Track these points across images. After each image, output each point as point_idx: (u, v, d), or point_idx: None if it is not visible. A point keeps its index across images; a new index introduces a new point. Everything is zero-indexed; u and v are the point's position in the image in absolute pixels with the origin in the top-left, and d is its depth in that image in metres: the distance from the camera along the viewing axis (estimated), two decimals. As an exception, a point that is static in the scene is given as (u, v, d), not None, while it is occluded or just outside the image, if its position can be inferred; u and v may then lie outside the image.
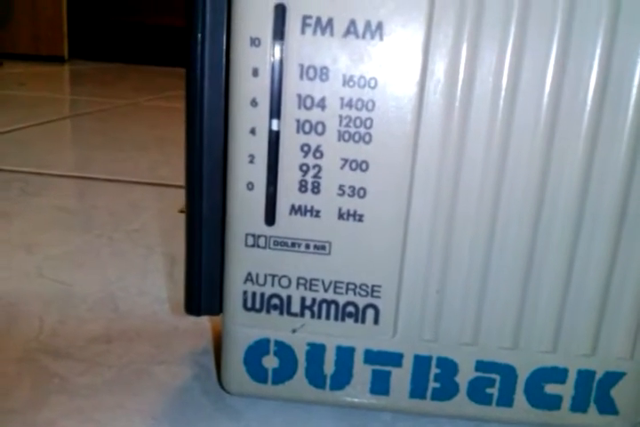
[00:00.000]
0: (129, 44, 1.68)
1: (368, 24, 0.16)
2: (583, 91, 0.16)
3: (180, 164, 0.53)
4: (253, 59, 0.17)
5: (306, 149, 0.17)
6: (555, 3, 0.16)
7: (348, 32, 0.16)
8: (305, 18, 0.16)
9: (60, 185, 0.45)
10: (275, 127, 0.17)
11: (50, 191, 0.43)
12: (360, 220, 0.18)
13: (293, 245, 0.18)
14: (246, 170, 0.17)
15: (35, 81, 1.16)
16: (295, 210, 0.18)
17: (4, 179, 0.46)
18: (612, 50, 0.16)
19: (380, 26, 0.16)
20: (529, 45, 0.16)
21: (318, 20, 0.16)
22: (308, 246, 0.18)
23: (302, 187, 0.17)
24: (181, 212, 0.40)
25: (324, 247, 0.18)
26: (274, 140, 0.17)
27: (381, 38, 0.16)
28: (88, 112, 0.80)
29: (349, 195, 0.17)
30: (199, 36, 0.17)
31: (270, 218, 0.18)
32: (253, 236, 0.18)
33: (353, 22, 0.16)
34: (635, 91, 0.16)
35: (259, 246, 0.18)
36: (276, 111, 0.17)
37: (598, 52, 0.16)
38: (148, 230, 0.36)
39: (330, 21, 0.16)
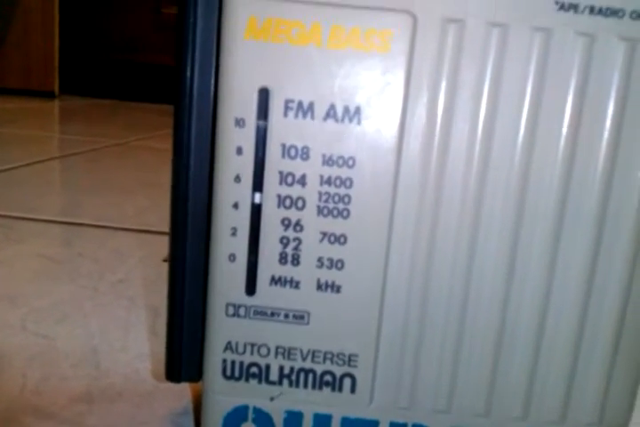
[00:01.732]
0: (119, 80, 1.70)
1: (347, 109, 0.17)
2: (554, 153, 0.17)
3: (166, 209, 0.54)
4: (238, 138, 0.18)
5: (286, 222, 0.18)
6: (524, 80, 0.17)
7: (327, 115, 0.17)
8: (287, 101, 0.17)
9: (45, 231, 0.46)
10: (257, 200, 0.18)
11: (35, 238, 0.44)
12: (338, 291, 0.18)
13: (273, 314, 0.18)
14: (229, 242, 0.18)
15: (25, 118, 1.17)
16: (275, 281, 0.18)
17: (-9, 224, 0.46)
18: (581, 112, 0.17)
19: (357, 110, 0.17)
20: (499, 120, 0.17)
21: (300, 103, 0.17)
22: (287, 316, 0.18)
23: (282, 259, 0.18)
24: (165, 261, 0.40)
25: (302, 317, 0.18)
26: (256, 213, 0.18)
27: (359, 122, 0.17)
28: (77, 152, 0.80)
29: (328, 267, 0.18)
30: (186, 116, 0.18)
31: (251, 288, 0.18)
32: (234, 306, 0.18)
33: (332, 106, 0.17)
34: (605, 140, 0.17)
35: (239, 316, 0.18)
36: (258, 187, 0.18)
37: (568, 113, 0.17)
38: (131, 280, 0.37)
39: (311, 105, 0.17)
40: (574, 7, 0.17)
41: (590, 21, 0.17)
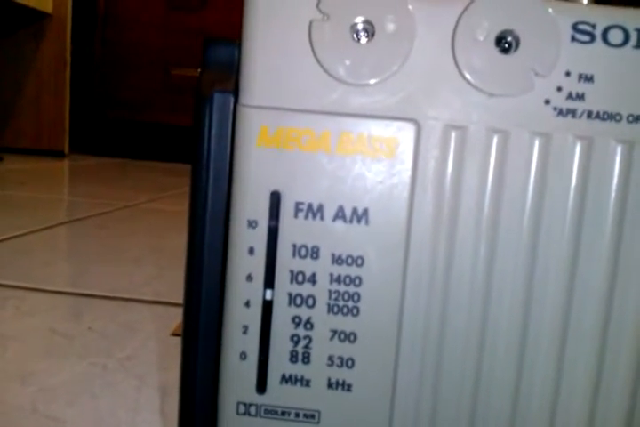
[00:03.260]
0: (128, 139, 1.73)
1: (355, 210, 0.18)
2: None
3: (175, 277, 0.54)
4: (250, 239, 0.18)
5: (297, 320, 0.18)
6: (525, 181, 0.18)
7: (336, 217, 0.18)
8: (298, 204, 0.18)
9: (56, 303, 0.46)
10: (268, 297, 0.18)
11: (46, 310, 0.44)
12: (349, 389, 0.18)
13: (283, 413, 0.18)
14: (240, 340, 0.18)
15: (35, 179, 1.19)
16: (286, 379, 0.18)
17: (1, 295, 0.46)
18: (583, 213, 0.18)
19: (365, 211, 0.18)
20: (502, 219, 0.18)
21: (310, 205, 0.18)
22: (297, 415, 0.18)
23: (293, 357, 0.18)
24: (173, 335, 0.40)
25: (313, 416, 0.18)
26: (267, 312, 0.18)
27: (367, 222, 0.18)
28: (86, 216, 0.81)
29: (338, 365, 0.18)
30: (200, 218, 0.18)
31: (262, 387, 0.19)
32: (245, 404, 0.19)
33: (341, 208, 0.18)
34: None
35: (249, 415, 0.19)
36: (269, 285, 0.18)
37: (569, 214, 0.18)
38: (140, 357, 0.37)
39: (320, 207, 0.18)
40: (572, 112, 0.17)
41: (588, 125, 0.17)
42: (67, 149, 1.66)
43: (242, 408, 0.19)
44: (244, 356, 0.18)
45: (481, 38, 0.17)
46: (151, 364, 0.36)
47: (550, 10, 0.17)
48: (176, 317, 0.45)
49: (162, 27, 1.60)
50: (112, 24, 1.63)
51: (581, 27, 0.17)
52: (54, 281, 0.51)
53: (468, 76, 0.17)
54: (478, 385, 0.18)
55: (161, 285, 0.52)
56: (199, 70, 0.18)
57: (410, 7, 0.17)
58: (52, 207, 0.88)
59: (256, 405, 0.18)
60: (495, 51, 0.17)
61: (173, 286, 0.52)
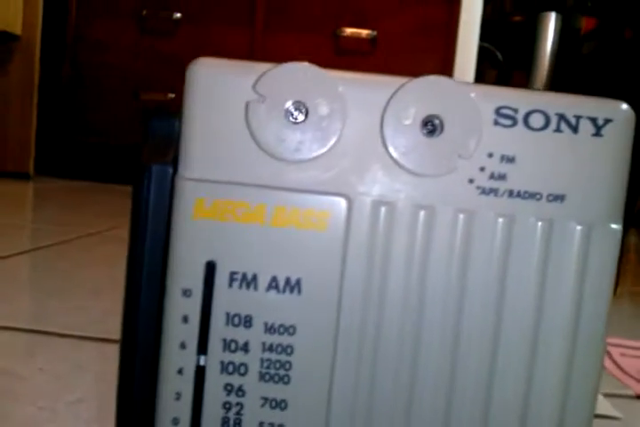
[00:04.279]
0: (94, 162, 1.72)
1: (288, 280, 0.18)
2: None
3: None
4: (184, 307, 0.19)
5: (229, 388, 0.19)
6: (450, 256, 0.18)
7: (270, 287, 0.18)
8: (232, 273, 0.18)
9: (11, 341, 0.46)
10: (202, 363, 0.19)
11: (0, 349, 0.44)
12: (279, 455, 0.19)
13: (215, 479, 0.19)
14: (172, 407, 0.19)
15: (-3, 203, 1.17)
16: (218, 444, 0.19)
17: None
18: (504, 287, 0.19)
19: (298, 282, 0.18)
20: (429, 291, 0.18)
21: (244, 275, 0.18)
22: (229, 481, 0.19)
23: (225, 423, 0.19)
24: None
25: (244, 482, 0.19)
26: (200, 378, 0.19)
27: (299, 292, 0.19)
28: (48, 245, 0.81)
29: (269, 431, 0.19)
30: (136, 286, 0.19)
31: (194, 451, 0.19)
32: (177, 470, 0.19)
33: (274, 278, 0.18)
34: (529, 317, 0.18)
35: (182, 481, 0.19)
36: (202, 353, 0.19)
37: (492, 286, 0.19)
38: (89, 401, 0.36)
39: (254, 277, 0.18)
40: (494, 191, 0.18)
41: (509, 204, 0.18)
42: (32, 171, 1.64)
43: (174, 475, 0.19)
44: (176, 422, 0.19)
45: (407, 122, 0.18)
46: (99, 408, 0.36)
47: (473, 95, 0.18)
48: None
49: (132, 50, 1.61)
50: (82, 46, 1.63)
51: (504, 111, 0.18)
52: (9, 318, 0.50)
53: (395, 156, 0.18)
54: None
55: (116, 321, 0.52)
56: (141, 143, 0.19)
57: (340, 89, 0.18)
58: (13, 235, 0.87)
59: (188, 470, 0.19)
60: (421, 134, 0.18)
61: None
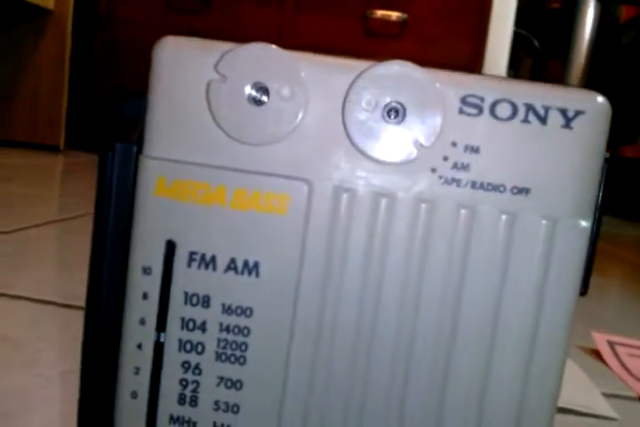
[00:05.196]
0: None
1: (246, 263, 0.19)
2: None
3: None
4: (144, 285, 0.19)
5: (186, 365, 0.19)
6: (410, 244, 0.18)
7: (228, 268, 0.19)
8: (191, 253, 0.19)
9: (13, 309, 0.47)
10: (161, 339, 0.19)
11: (4, 316, 0.45)
12: (232, 433, 0.19)
13: (169, 453, 0.19)
14: (132, 380, 0.19)
15: (24, 175, 1.19)
16: (174, 420, 0.19)
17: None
18: (464, 279, 0.18)
19: (256, 264, 0.19)
20: (387, 279, 0.18)
21: (203, 256, 0.19)
22: (182, 456, 0.19)
23: (181, 400, 0.19)
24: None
25: (196, 457, 0.19)
26: (158, 355, 0.19)
27: (257, 275, 0.19)
28: (70, 217, 0.82)
29: (224, 410, 0.19)
30: (100, 263, 0.19)
31: (151, 425, 0.19)
32: (133, 443, 0.19)
33: (233, 260, 0.19)
34: (489, 311, 0.18)
35: (137, 453, 0.19)
36: (161, 329, 0.19)
37: (452, 279, 0.18)
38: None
39: (213, 258, 0.19)
40: (457, 181, 0.18)
41: (472, 195, 0.18)
42: (62, 145, 1.67)
43: (129, 446, 0.19)
44: (134, 395, 0.19)
45: (369, 108, 0.17)
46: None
47: (439, 82, 0.18)
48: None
49: (162, 28, 1.61)
50: (113, 23, 1.64)
51: (470, 100, 0.18)
52: (18, 286, 0.52)
53: (356, 141, 0.18)
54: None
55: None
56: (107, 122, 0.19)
57: (302, 74, 0.18)
58: (40, 204, 0.89)
59: (143, 443, 0.19)
60: (382, 120, 0.18)
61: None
